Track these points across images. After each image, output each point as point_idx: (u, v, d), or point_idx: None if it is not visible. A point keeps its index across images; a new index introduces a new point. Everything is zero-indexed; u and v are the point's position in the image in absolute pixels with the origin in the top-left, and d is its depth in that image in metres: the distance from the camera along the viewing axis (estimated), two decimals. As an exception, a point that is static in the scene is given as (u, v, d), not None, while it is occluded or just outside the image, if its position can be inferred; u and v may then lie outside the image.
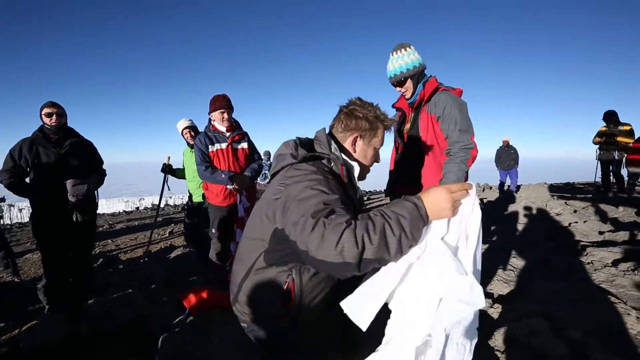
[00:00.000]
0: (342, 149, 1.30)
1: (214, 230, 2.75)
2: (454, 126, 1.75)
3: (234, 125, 2.74)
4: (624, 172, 7.40)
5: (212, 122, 2.71)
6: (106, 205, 16.93)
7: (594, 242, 3.59)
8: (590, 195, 7.05)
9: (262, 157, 8.72)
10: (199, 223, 3.19)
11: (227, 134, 2.69)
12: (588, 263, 2.90)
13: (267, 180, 8.63)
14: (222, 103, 2.63)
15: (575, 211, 5.59)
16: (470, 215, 0.95)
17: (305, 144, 1.30)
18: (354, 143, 1.31)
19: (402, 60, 1.81)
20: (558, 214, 5.46)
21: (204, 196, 2.94)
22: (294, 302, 1.16)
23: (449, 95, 1.80)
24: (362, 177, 1.36)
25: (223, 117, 2.64)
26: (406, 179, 2.02)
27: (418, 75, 1.85)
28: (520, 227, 4.88)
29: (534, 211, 6.01)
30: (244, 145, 2.78)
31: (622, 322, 1.84)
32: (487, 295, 2.34)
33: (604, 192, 6.97)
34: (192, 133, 3.22)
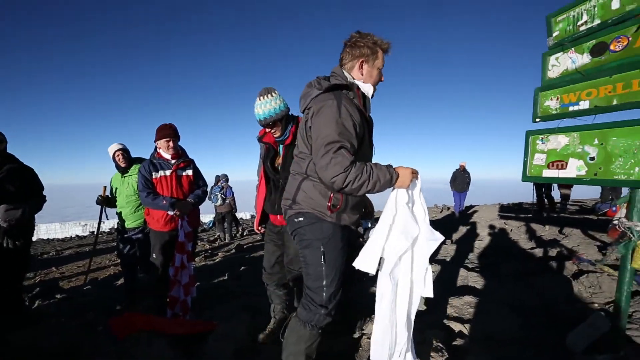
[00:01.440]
0: (359, 77, 1.65)
1: (154, 255, 2.79)
2: None
3: (179, 153, 2.86)
4: (555, 193, 8.22)
5: (157, 149, 2.82)
6: (60, 229, 15.81)
7: (514, 257, 3.99)
8: (530, 215, 7.74)
9: (220, 179, 8.67)
10: (133, 248, 3.18)
11: (172, 162, 2.80)
12: (503, 276, 3.24)
13: (220, 202, 8.55)
14: (167, 132, 2.76)
15: (511, 230, 6.11)
16: (419, 191, 1.57)
17: (325, 79, 1.67)
18: (360, 67, 1.63)
19: (269, 106, 1.95)
20: (495, 233, 5.95)
21: (145, 221, 2.97)
22: (344, 199, 1.56)
23: None
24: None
25: (168, 146, 2.76)
26: (278, 211, 1.97)
27: (285, 117, 2.03)
28: (457, 245, 5.25)
29: (476, 231, 6.49)
30: (189, 172, 2.89)
31: (507, 330, 2.12)
32: None
33: (540, 212, 7.67)
34: (124, 156, 3.22)
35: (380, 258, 1.49)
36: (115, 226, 3.68)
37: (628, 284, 1.68)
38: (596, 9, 1.87)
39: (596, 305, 2.47)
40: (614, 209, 6.90)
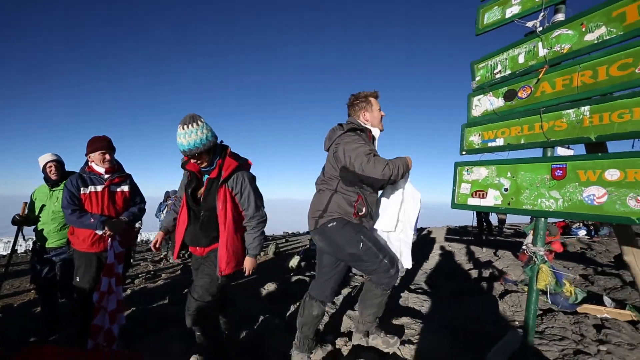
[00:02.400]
0: (365, 121, 2.21)
1: (78, 279, 2.54)
2: (251, 202, 2.07)
3: (115, 167, 2.69)
4: (493, 218, 8.95)
5: (89, 163, 2.63)
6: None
7: (454, 277, 4.23)
8: (472, 238, 8.31)
9: (170, 195, 8.24)
10: (53, 271, 2.87)
11: (106, 176, 2.63)
12: (441, 296, 3.41)
13: (163, 218, 8.16)
14: (102, 144, 2.58)
15: (454, 252, 6.49)
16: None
17: (345, 124, 2.15)
18: (364, 116, 2.21)
19: (194, 136, 1.86)
20: (440, 255, 6.28)
21: (68, 241, 2.71)
22: (365, 204, 2.04)
23: (245, 174, 2.08)
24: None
25: (104, 159, 2.59)
26: (202, 242, 2.10)
27: (212, 147, 1.98)
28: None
29: (424, 253, 6.80)
30: (125, 188, 2.72)
31: (438, 349, 2.22)
32: (341, 334, 2.58)
33: (480, 235, 8.28)
34: (57, 168, 2.97)
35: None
36: (32, 246, 3.23)
37: (534, 302, 1.87)
38: (507, 61, 2.16)
39: (517, 322, 2.69)
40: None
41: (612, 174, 1.59)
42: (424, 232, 10.58)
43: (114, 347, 2.51)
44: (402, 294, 3.46)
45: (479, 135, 2.27)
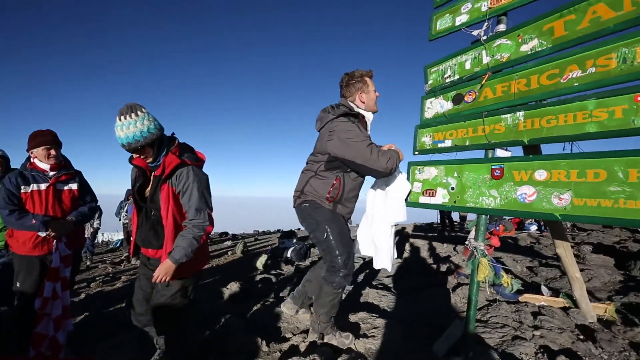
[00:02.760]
0: (361, 102, 2.23)
1: (18, 284, 2.37)
2: (192, 203, 1.81)
3: (61, 164, 2.53)
4: (455, 214, 9.40)
5: (31, 159, 2.45)
6: None
7: (414, 273, 4.41)
8: (436, 234, 8.68)
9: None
10: None
11: (51, 174, 2.46)
12: (399, 291, 3.54)
13: (128, 219, 7.78)
14: (47, 138, 2.41)
15: (418, 248, 6.74)
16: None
17: (337, 106, 2.18)
18: (360, 97, 2.22)
19: (133, 127, 1.65)
20: (405, 251, 6.50)
21: (7, 244, 2.52)
22: (339, 190, 2.11)
23: (192, 171, 1.82)
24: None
25: (49, 154, 2.41)
26: (153, 243, 1.91)
27: (157, 140, 1.77)
28: (371, 264, 5.59)
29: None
30: (73, 186, 2.57)
31: (392, 342, 2.32)
32: (301, 332, 2.62)
33: (443, 231, 8.67)
34: (1, 164, 2.76)
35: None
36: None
37: (475, 294, 2.00)
38: (456, 66, 2.29)
39: (465, 314, 2.86)
40: (497, 228, 8.21)
41: (541, 174, 1.74)
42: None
43: (61, 355, 2.38)
44: (362, 290, 3.56)
45: (430, 137, 2.39)
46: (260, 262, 6.25)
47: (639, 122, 1.47)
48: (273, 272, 5.53)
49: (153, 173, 1.86)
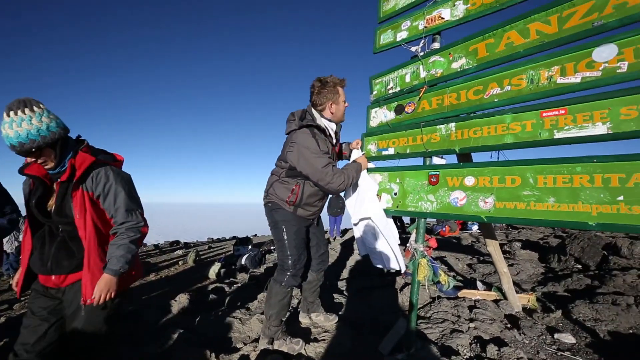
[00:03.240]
0: (323, 115, 2.27)
1: None
2: (120, 205, 1.59)
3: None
4: (406, 217, 9.90)
5: None
6: None
7: (365, 275, 4.55)
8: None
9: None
10: None
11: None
12: (349, 292, 3.64)
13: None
14: None
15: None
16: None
17: (302, 114, 2.25)
18: (330, 108, 2.26)
19: (27, 125, 1.36)
20: (358, 254, 6.67)
21: None
22: (297, 196, 2.21)
23: (110, 170, 1.60)
24: (338, 124, 2.39)
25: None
26: (62, 267, 1.58)
27: (60, 142, 1.49)
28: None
29: (345, 253, 7.16)
30: (-12, 196, 2.28)
31: (341, 343, 2.37)
32: (252, 340, 2.58)
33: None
34: None
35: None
36: None
37: (416, 292, 2.14)
38: (397, 79, 2.44)
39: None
40: (444, 229, 8.79)
41: (469, 180, 1.93)
42: (346, 234, 11.13)
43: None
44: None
45: (375, 144, 2.51)
46: (213, 271, 6.02)
47: (544, 134, 1.70)
48: (227, 281, 5.37)
49: (57, 181, 1.54)
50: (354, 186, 2.41)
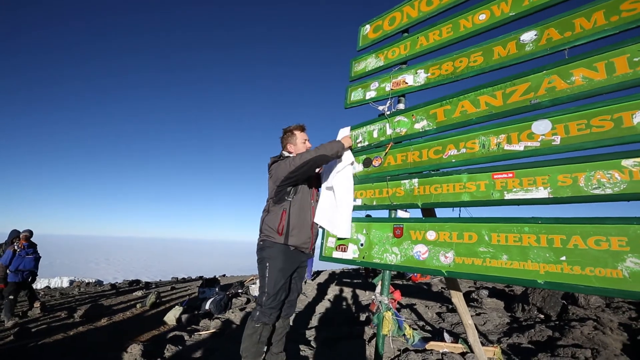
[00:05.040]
0: (289, 152, 2.57)
1: None
2: None
3: None
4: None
5: None
6: None
7: (335, 323, 4.41)
8: (360, 281, 8.91)
9: (17, 237, 6.65)
10: None
11: None
12: (318, 342, 3.49)
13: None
14: None
15: (343, 296, 6.80)
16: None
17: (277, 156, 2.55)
18: (290, 147, 2.59)
19: None
20: (330, 300, 6.49)
21: None
22: (285, 220, 2.34)
23: None
24: None
25: None
26: None
27: None
28: (295, 314, 5.44)
29: (315, 298, 6.94)
30: None
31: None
32: None
33: (367, 277, 8.96)
34: None
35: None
36: None
37: (381, 347, 2.10)
38: (366, 133, 2.60)
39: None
40: (415, 274, 8.81)
41: (431, 235, 2.01)
42: (318, 276, 10.87)
43: None
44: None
45: (345, 194, 2.59)
46: (173, 316, 5.59)
47: (496, 195, 1.84)
48: (188, 328, 4.99)
49: None
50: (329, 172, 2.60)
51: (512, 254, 1.70)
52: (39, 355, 3.98)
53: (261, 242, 2.42)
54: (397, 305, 2.23)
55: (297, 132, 2.60)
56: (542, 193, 1.70)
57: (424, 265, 1.99)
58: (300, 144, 2.58)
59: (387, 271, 2.20)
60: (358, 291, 6.84)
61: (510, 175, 1.82)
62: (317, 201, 2.55)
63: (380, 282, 2.19)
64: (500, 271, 1.72)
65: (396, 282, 8.32)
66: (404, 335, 2.19)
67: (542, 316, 4.20)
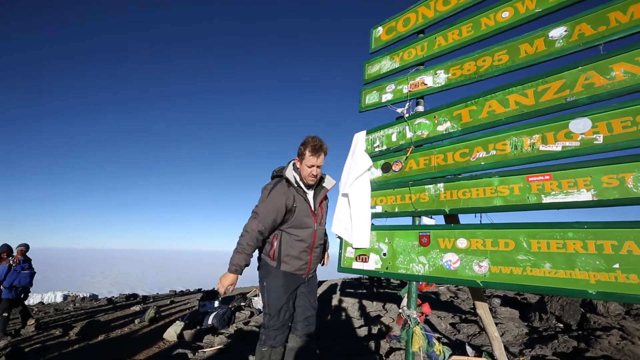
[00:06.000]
0: (297, 169, 2.28)
1: None
2: None
3: None
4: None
5: None
6: None
7: (343, 337, 4.22)
8: (365, 291, 8.70)
9: (7, 251, 6.41)
10: None
11: None
12: (329, 358, 3.30)
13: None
14: None
15: (347, 307, 6.59)
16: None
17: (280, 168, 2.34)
18: (299, 163, 2.24)
19: None
20: (332, 312, 6.29)
21: None
22: (275, 248, 2.19)
23: None
24: (306, 183, 2.25)
25: None
26: None
27: None
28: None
29: (319, 311, 6.72)
30: None
31: None
32: None
33: (371, 287, 8.76)
34: None
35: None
36: None
37: (411, 366, 1.94)
38: (384, 137, 2.49)
39: (400, 383, 2.75)
40: (420, 283, 8.65)
41: (462, 243, 1.88)
42: (321, 287, 10.64)
43: None
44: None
45: (363, 201, 2.46)
46: (174, 332, 5.35)
47: (533, 198, 1.72)
48: (192, 344, 4.76)
49: None
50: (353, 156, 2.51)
51: (555, 261, 1.57)
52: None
53: (259, 261, 2.32)
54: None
55: (307, 153, 2.19)
56: (585, 195, 1.59)
57: (455, 276, 1.85)
58: (305, 167, 2.21)
59: (414, 282, 2.06)
60: (365, 302, 6.64)
61: (548, 177, 1.71)
62: (321, 221, 2.31)
63: (406, 295, 2.04)
64: (544, 280, 1.58)
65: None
66: (433, 351, 2.04)
67: (561, 325, 4.04)
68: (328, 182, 2.38)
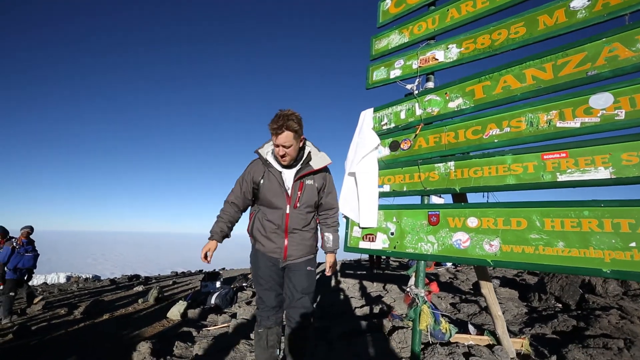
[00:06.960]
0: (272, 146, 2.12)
1: None
2: None
3: None
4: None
5: None
6: None
7: (345, 317, 4.28)
8: (365, 272, 8.81)
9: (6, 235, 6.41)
10: None
11: None
12: (332, 338, 3.35)
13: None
14: None
15: (347, 288, 6.68)
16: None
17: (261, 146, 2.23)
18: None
19: None
20: (332, 293, 6.37)
21: None
22: (251, 224, 2.17)
23: None
24: (279, 161, 2.07)
25: None
26: None
27: None
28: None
29: (317, 291, 6.82)
30: None
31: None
32: None
33: (371, 268, 8.87)
34: None
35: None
36: None
37: (418, 344, 1.96)
38: (392, 115, 2.42)
39: (403, 359, 2.80)
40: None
41: (472, 222, 1.85)
42: (319, 269, 10.77)
43: None
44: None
45: (370, 181, 2.42)
46: (178, 311, 5.44)
47: (547, 177, 1.68)
48: (197, 323, 4.84)
49: None
50: (360, 134, 2.48)
51: (570, 240, 1.55)
52: (41, 353, 3.81)
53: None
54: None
55: (272, 135, 1.98)
56: (603, 173, 1.54)
57: (465, 255, 1.83)
58: (275, 147, 2.02)
59: (422, 262, 2.05)
60: (365, 282, 6.72)
61: (564, 155, 1.66)
62: (297, 204, 2.02)
63: (414, 274, 2.03)
64: (556, 259, 1.56)
65: (402, 272, 8.24)
66: (440, 329, 2.05)
67: (560, 305, 4.10)
68: (316, 162, 2.06)
